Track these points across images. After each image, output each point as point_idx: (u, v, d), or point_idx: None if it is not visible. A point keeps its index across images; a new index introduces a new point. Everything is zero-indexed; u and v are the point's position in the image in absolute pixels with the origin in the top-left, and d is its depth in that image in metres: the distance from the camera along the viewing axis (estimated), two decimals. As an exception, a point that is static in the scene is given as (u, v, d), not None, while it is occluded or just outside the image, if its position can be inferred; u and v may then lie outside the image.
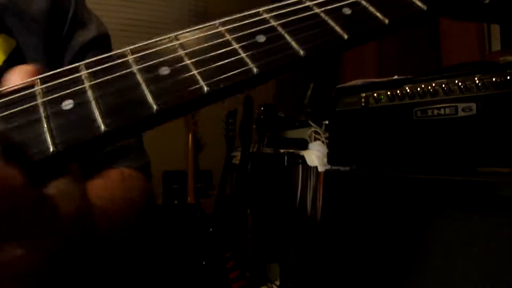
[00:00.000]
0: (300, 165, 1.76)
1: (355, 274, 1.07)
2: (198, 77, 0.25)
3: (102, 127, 0.22)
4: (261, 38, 0.27)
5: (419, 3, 0.29)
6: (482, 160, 0.90)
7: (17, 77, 0.24)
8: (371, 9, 0.29)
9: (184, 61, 0.25)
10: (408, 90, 1.02)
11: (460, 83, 0.92)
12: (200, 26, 0.29)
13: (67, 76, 0.25)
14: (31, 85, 0.24)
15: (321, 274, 1.20)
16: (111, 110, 0.23)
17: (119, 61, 0.26)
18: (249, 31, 0.28)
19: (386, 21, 0.28)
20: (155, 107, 0.23)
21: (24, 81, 0.24)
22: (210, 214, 2.06)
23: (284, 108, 2.06)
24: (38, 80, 0.24)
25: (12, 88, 0.24)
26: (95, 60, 0.25)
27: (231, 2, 2.69)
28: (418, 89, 1.00)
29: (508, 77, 0.85)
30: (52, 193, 0.22)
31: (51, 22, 0.49)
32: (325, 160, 1.34)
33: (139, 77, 0.25)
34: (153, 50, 0.27)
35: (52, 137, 0.22)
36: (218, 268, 1.84)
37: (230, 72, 0.25)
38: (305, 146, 1.73)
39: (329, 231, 1.19)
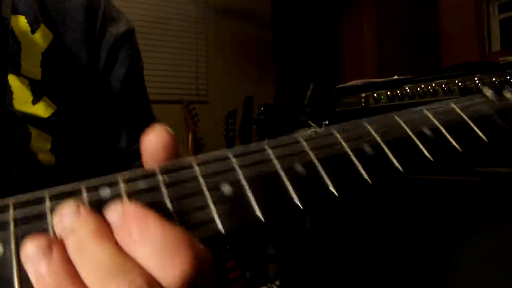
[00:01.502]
0: (300, 165, 1.76)
1: (355, 274, 1.07)
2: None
3: (261, 216, 0.26)
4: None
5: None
6: (482, 160, 0.90)
7: (156, 145, 0.27)
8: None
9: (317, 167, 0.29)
10: (408, 90, 1.02)
11: (460, 83, 0.92)
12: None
13: (220, 160, 0.27)
14: (191, 166, 0.27)
15: (321, 274, 1.20)
16: (264, 201, 0.26)
17: (263, 158, 0.29)
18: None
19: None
20: (298, 202, 0.27)
21: (183, 162, 0.27)
22: (210, 214, 2.06)
23: (284, 108, 2.06)
24: (197, 164, 0.27)
25: (175, 165, 0.27)
26: (242, 150, 0.28)
27: (230, 5, 2.69)
28: (418, 89, 1.00)
29: (508, 77, 0.85)
30: None
31: (86, 16, 0.51)
32: (325, 160, 1.33)
33: (283, 176, 0.28)
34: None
35: (221, 221, 0.25)
36: (218, 268, 1.84)
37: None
38: (305, 146, 1.73)
39: (328, 231, 1.19)
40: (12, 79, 0.42)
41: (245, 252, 2.06)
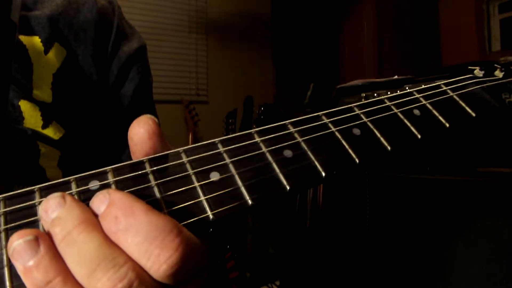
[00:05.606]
0: (300, 165, 1.76)
1: (355, 274, 1.07)
2: (317, 164, 0.29)
3: (249, 201, 0.26)
4: (357, 131, 0.33)
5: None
6: (482, 160, 0.90)
7: (143, 131, 0.27)
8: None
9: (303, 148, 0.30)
10: (408, 90, 1.01)
11: (460, 83, 0.92)
12: (305, 117, 0.34)
13: (208, 151, 0.28)
14: (178, 154, 0.27)
15: (321, 274, 1.20)
16: (254, 184, 0.27)
17: (249, 142, 0.30)
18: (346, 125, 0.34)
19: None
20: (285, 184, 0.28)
21: (170, 152, 0.28)
22: (210, 214, 2.06)
23: (284, 108, 2.06)
24: (183, 151, 0.28)
25: (161, 154, 0.27)
26: (229, 138, 0.29)
27: (230, 5, 2.69)
28: (418, 89, 0.99)
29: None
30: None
31: (98, 32, 0.51)
32: (325, 160, 1.34)
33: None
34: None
35: (209, 205, 0.25)
36: (218, 268, 1.84)
37: (340, 162, 0.30)
38: (305, 146, 1.73)
39: (329, 231, 1.19)
40: (24, 104, 0.42)
41: (245, 252, 2.06)
